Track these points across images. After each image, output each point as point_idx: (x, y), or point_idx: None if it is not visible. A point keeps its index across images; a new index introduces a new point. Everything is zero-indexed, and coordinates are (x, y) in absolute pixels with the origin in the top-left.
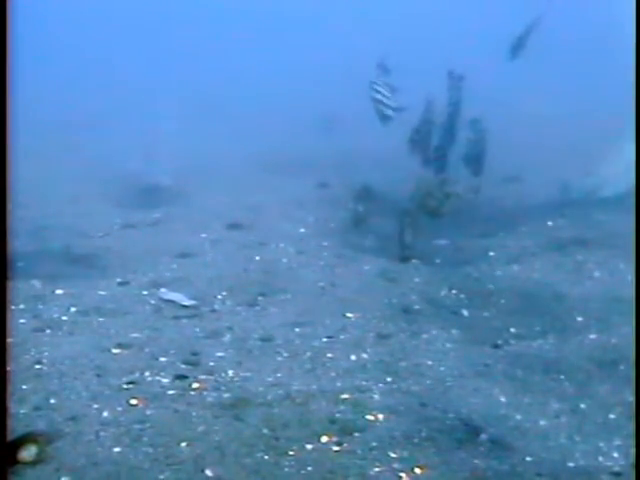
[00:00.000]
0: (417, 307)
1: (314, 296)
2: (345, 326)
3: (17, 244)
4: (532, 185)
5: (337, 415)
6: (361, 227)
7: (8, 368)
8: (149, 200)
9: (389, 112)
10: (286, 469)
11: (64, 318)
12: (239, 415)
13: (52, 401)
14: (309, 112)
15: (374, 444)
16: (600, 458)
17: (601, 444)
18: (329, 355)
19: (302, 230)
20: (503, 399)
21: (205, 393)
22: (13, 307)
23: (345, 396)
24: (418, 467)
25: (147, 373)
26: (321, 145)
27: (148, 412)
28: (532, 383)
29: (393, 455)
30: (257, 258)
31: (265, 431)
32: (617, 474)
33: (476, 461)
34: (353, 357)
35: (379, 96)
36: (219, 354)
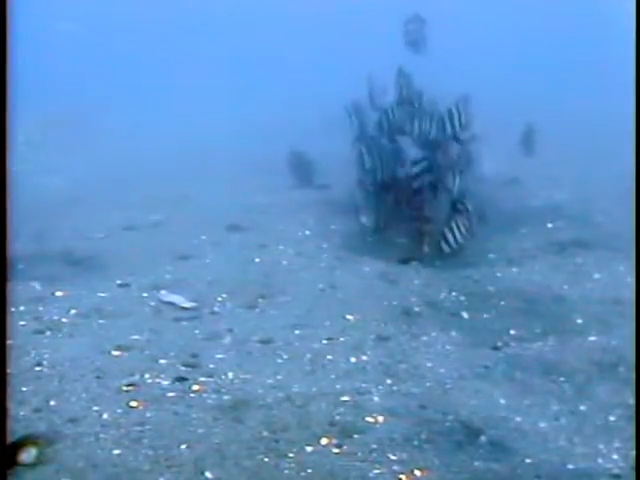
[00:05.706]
0: (417, 309)
1: (314, 298)
2: (345, 328)
3: (17, 246)
4: (531, 187)
5: (337, 417)
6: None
7: (8, 370)
8: (149, 202)
9: None
10: (286, 471)
11: (64, 320)
12: (239, 417)
13: (52, 403)
14: (310, 113)
15: (374, 446)
16: (600, 460)
17: (601, 446)
18: (329, 357)
19: (302, 232)
20: (503, 401)
21: (205, 395)
22: (13, 309)
23: (345, 398)
24: (418, 469)
25: (147, 375)
26: (322, 146)
27: (148, 414)
28: (532, 385)
29: (393, 457)
30: (257, 260)
31: (265, 433)
32: (617, 476)
33: (476, 463)
34: (353, 359)
35: None
36: (219, 356)
